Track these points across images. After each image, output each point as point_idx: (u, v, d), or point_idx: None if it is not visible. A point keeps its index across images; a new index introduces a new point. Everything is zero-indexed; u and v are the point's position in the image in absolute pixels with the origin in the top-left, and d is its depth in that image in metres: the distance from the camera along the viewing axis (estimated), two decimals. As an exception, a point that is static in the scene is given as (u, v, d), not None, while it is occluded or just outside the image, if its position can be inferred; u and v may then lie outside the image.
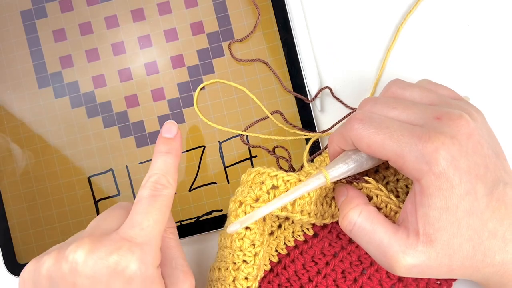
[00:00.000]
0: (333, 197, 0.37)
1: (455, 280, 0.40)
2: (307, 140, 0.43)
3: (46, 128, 0.45)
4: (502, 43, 0.44)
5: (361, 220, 0.34)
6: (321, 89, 0.43)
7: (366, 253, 0.40)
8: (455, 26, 0.44)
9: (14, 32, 0.45)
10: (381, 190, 0.35)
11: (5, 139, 0.45)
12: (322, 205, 0.37)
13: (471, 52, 0.44)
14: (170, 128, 0.38)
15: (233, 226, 0.33)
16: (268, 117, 0.43)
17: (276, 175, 0.35)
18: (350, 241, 0.40)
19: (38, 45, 0.45)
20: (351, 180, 0.36)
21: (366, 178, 0.36)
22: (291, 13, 0.44)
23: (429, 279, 0.40)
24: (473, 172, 0.31)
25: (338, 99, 0.44)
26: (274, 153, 0.41)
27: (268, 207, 0.33)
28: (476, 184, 0.31)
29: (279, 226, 0.40)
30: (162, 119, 0.44)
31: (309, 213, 0.36)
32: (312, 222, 0.37)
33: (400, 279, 0.40)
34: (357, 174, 0.36)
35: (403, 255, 0.32)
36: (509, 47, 0.44)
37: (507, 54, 0.44)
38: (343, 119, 0.43)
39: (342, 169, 0.34)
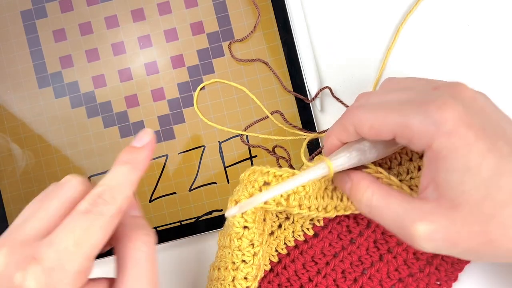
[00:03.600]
0: (334, 189, 0.37)
1: (455, 280, 0.40)
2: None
3: (46, 128, 0.45)
4: (502, 43, 0.44)
5: (376, 200, 0.32)
6: (321, 89, 0.43)
7: (367, 254, 0.40)
8: (455, 26, 0.44)
9: (14, 32, 0.45)
10: (381, 173, 0.35)
11: (5, 139, 0.45)
12: (323, 198, 0.36)
13: (471, 52, 0.44)
14: (142, 137, 0.33)
15: (232, 210, 0.32)
16: (268, 117, 0.43)
17: (268, 171, 0.35)
18: (351, 241, 0.40)
19: (38, 45, 0.45)
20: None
21: (365, 165, 0.35)
22: (291, 13, 0.44)
23: (429, 280, 0.40)
24: (489, 130, 0.28)
25: (338, 99, 0.44)
26: (274, 153, 0.41)
27: (269, 193, 0.32)
28: (496, 141, 0.28)
29: (279, 226, 0.40)
30: (162, 119, 0.44)
31: (309, 207, 0.36)
32: (314, 216, 0.37)
33: (401, 279, 0.40)
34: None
35: (420, 222, 0.28)
36: (509, 47, 0.44)
37: (507, 54, 0.44)
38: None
39: (344, 158, 0.33)
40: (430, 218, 0.28)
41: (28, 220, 0.29)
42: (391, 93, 0.32)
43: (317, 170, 0.33)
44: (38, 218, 0.29)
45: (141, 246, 0.31)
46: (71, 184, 0.31)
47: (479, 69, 0.44)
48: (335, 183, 0.36)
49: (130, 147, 0.33)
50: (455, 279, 0.40)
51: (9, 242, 0.28)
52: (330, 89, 0.44)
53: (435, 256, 0.40)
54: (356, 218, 0.40)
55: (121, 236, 0.31)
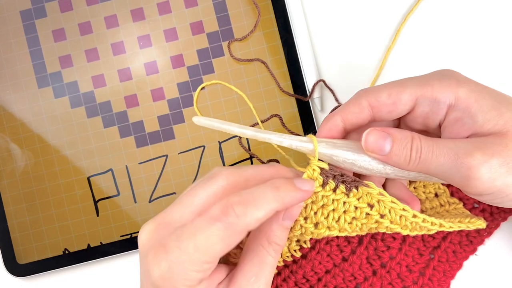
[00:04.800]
0: (332, 210, 0.34)
1: (448, 286, 0.40)
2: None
3: (46, 128, 0.45)
4: (502, 43, 0.44)
5: (425, 143, 0.32)
6: (316, 83, 0.43)
7: (360, 269, 0.39)
8: (455, 26, 0.44)
9: (13, 32, 0.45)
10: (383, 195, 0.33)
11: (5, 139, 0.45)
12: (315, 213, 0.34)
13: (471, 52, 0.44)
14: (304, 182, 0.32)
15: (198, 118, 0.31)
16: (268, 118, 0.43)
17: None
18: (343, 259, 0.40)
19: (38, 45, 0.45)
20: (350, 182, 0.34)
21: (366, 181, 0.34)
22: (291, 13, 0.44)
23: None
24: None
25: (330, 90, 0.43)
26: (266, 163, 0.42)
27: (241, 128, 0.32)
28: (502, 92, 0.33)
29: None
30: (161, 119, 0.44)
31: (305, 218, 0.34)
32: (303, 231, 0.35)
33: None
34: (354, 176, 0.34)
35: (476, 152, 0.30)
36: (509, 47, 0.44)
37: (507, 54, 0.43)
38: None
39: (332, 142, 0.33)
40: (483, 146, 0.30)
41: (177, 204, 0.32)
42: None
43: (300, 141, 0.33)
44: (183, 205, 0.31)
45: (272, 252, 0.32)
46: (220, 176, 0.32)
47: (479, 69, 0.44)
48: (368, 143, 0.33)
49: (291, 181, 0.32)
50: (447, 287, 0.40)
51: (157, 220, 0.31)
52: (323, 81, 0.43)
53: (427, 266, 0.40)
54: (346, 236, 0.39)
55: (260, 231, 0.32)
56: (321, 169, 0.33)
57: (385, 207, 0.33)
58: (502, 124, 0.31)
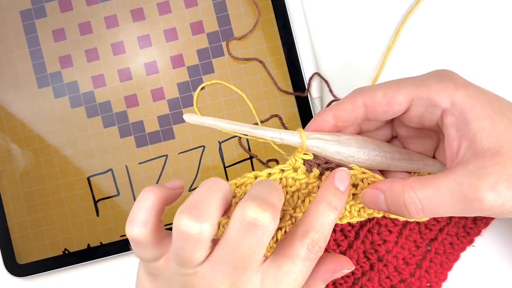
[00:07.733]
0: (308, 193, 0.35)
1: (444, 280, 0.40)
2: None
3: (46, 128, 0.45)
4: (502, 43, 0.44)
5: (421, 192, 0.30)
6: (312, 76, 0.43)
7: (358, 264, 0.40)
8: (455, 26, 0.44)
9: (13, 32, 0.45)
10: (366, 173, 0.34)
11: (5, 139, 0.45)
12: (303, 201, 0.35)
13: (471, 52, 0.44)
14: (344, 179, 0.32)
15: (189, 116, 0.31)
16: (268, 118, 0.43)
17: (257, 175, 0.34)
18: (341, 254, 0.40)
19: (38, 45, 0.45)
20: (334, 167, 0.34)
21: (350, 165, 0.34)
22: (291, 13, 0.44)
23: (420, 284, 0.40)
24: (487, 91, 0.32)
25: (325, 81, 0.43)
26: (266, 164, 0.42)
27: (231, 124, 0.32)
28: (500, 97, 0.31)
29: None
30: (161, 119, 0.44)
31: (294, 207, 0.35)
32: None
33: (393, 286, 0.40)
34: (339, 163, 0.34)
35: (479, 181, 0.28)
36: (509, 47, 0.44)
37: (507, 54, 0.43)
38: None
39: (320, 135, 0.33)
40: (484, 172, 0.28)
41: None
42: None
43: (289, 135, 0.32)
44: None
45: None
46: (146, 192, 0.30)
47: (478, 70, 0.44)
48: (366, 203, 0.33)
49: (338, 189, 0.32)
50: (445, 278, 0.40)
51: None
52: (319, 74, 0.43)
53: (423, 258, 0.40)
54: (343, 231, 0.39)
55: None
56: (305, 160, 0.34)
57: (368, 183, 0.34)
58: (495, 137, 0.29)
